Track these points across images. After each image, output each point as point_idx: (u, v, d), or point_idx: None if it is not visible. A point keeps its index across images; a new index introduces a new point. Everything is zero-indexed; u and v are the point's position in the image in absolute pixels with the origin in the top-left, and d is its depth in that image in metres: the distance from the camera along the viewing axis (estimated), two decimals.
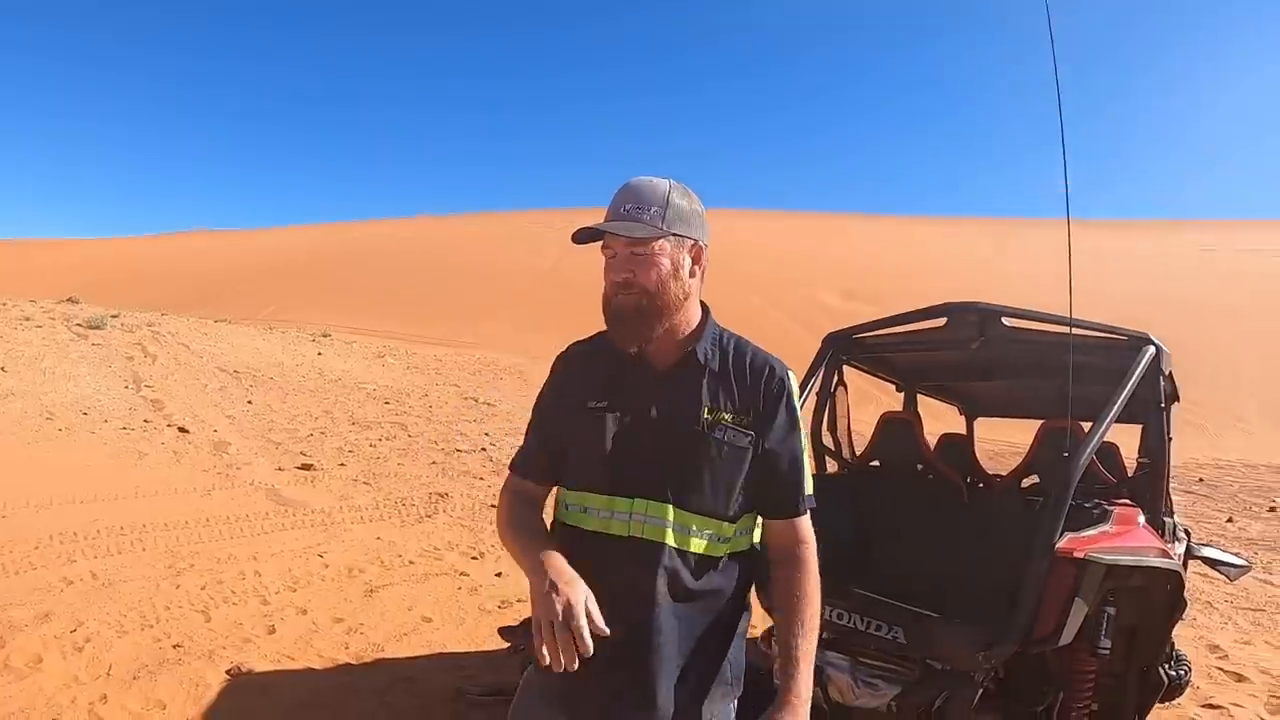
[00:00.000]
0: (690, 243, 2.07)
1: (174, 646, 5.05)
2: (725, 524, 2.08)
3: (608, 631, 1.78)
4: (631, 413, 2.09)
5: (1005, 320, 4.37)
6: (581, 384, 2.17)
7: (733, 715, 2.19)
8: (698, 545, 2.05)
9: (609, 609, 1.95)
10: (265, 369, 18.19)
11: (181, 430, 11.74)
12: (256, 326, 28.22)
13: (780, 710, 1.99)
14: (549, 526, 2.21)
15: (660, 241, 2.00)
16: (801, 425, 2.17)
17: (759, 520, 2.20)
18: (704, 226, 2.11)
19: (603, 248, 2.06)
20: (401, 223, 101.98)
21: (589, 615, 1.78)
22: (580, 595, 1.82)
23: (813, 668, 2.05)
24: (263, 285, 55.50)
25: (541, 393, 2.29)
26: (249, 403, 14.54)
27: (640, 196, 2.02)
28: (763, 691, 2.24)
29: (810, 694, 2.02)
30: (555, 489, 2.25)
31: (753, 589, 2.29)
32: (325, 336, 26.84)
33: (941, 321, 4.59)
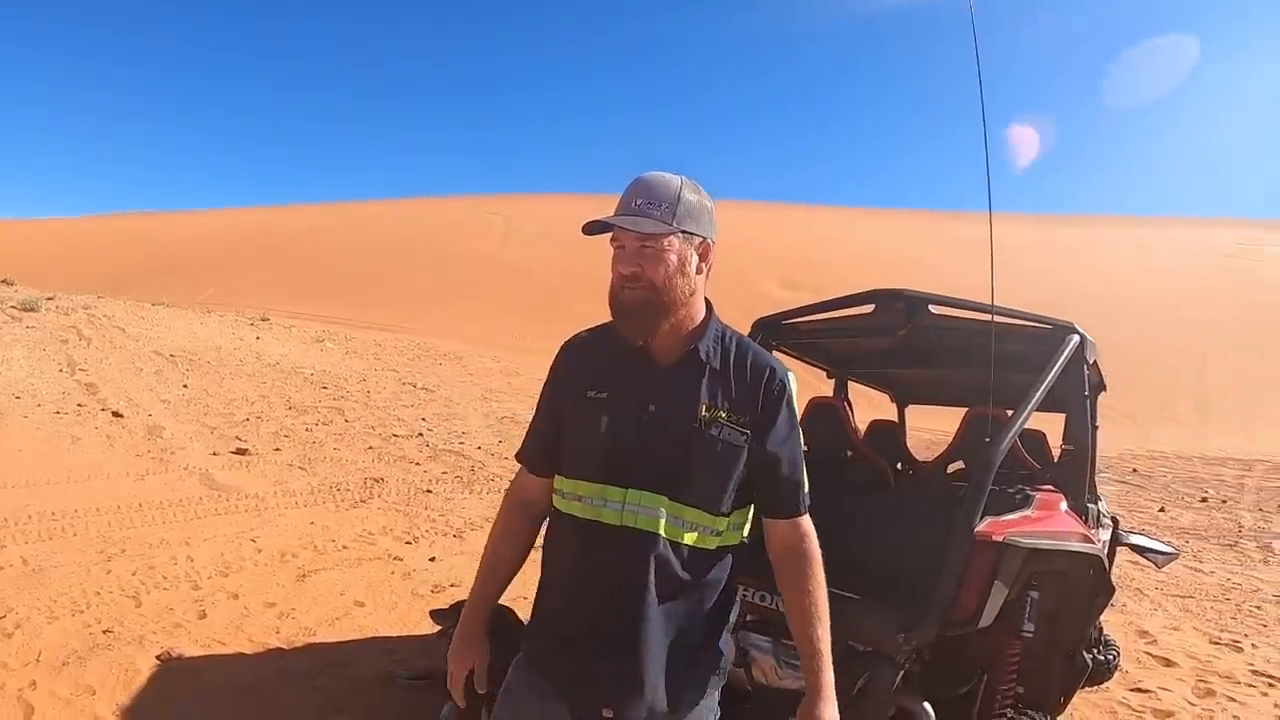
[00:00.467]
0: (699, 240, 2.11)
1: (104, 632, 5.04)
2: (719, 518, 2.13)
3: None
4: (630, 406, 2.13)
5: (932, 307, 4.44)
6: (583, 373, 2.23)
7: (716, 702, 2.24)
8: (690, 538, 2.10)
9: (600, 597, 2.09)
10: (202, 353, 17.95)
11: (116, 414, 11.58)
12: (195, 310, 27.82)
13: (817, 699, 2.09)
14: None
15: (670, 237, 2.04)
16: (799, 427, 2.22)
17: (750, 515, 2.25)
18: (712, 224, 2.16)
19: (611, 240, 2.10)
20: (344, 207, 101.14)
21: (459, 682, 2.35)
22: (461, 670, 2.35)
23: (826, 645, 2.13)
24: (202, 268, 54.83)
25: (547, 381, 2.34)
26: (185, 386, 14.36)
27: (652, 192, 2.06)
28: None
29: (830, 674, 2.12)
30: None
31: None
32: (264, 320, 26.55)
33: (869, 308, 4.65)
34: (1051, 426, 4.92)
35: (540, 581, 2.28)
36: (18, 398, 11.70)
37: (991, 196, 3.51)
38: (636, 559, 2.06)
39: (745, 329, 5.06)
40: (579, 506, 2.14)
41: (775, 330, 5.09)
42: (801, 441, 2.22)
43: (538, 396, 2.38)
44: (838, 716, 2.10)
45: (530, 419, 2.37)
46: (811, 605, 2.13)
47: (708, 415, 2.09)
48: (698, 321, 2.18)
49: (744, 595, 3.63)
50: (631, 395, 2.13)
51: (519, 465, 2.39)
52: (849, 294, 4.69)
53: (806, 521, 2.21)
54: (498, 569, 2.37)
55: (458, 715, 4.01)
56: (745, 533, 2.25)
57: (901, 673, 3.34)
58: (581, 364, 2.25)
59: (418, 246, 58.59)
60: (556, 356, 2.33)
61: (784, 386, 2.16)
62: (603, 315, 2.17)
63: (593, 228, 2.09)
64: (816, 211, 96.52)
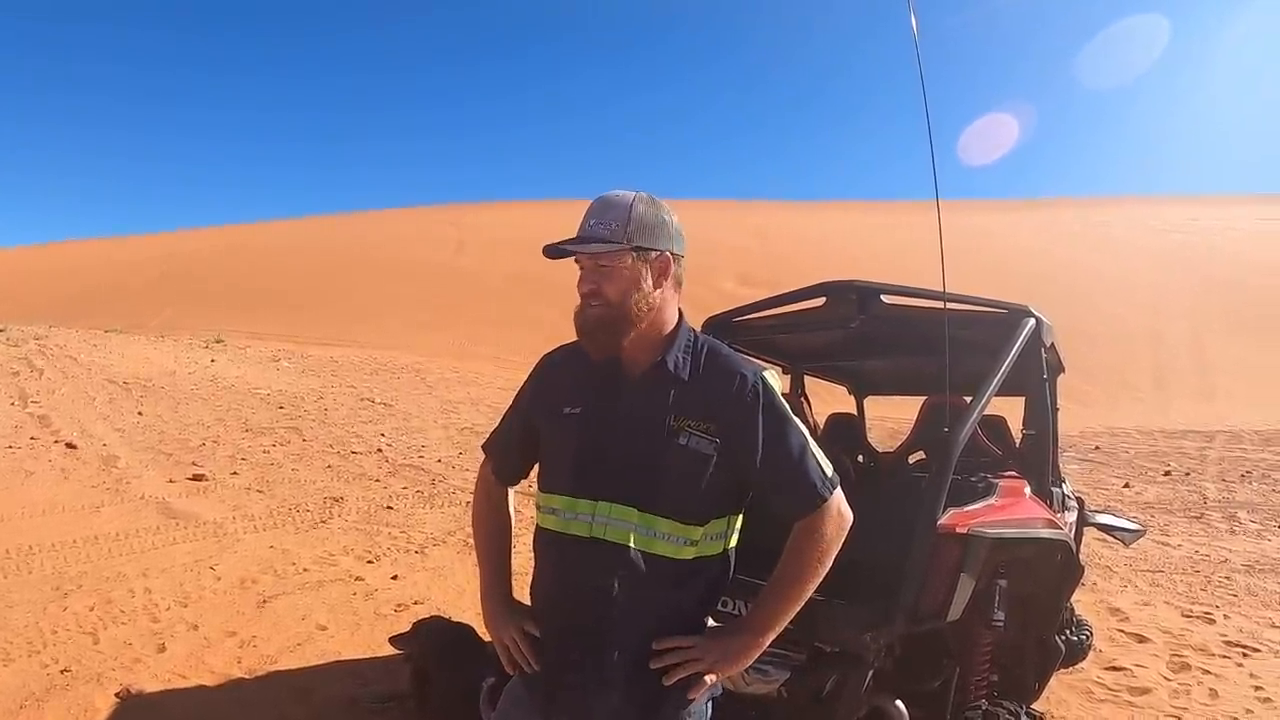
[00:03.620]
0: (655, 254, 2.10)
1: (61, 671, 4.92)
2: (693, 527, 2.09)
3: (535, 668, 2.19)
4: (600, 418, 2.13)
5: (884, 298, 4.38)
6: (558, 389, 2.24)
7: (708, 716, 2.21)
8: (662, 548, 2.07)
9: (573, 609, 2.11)
10: (156, 378, 17.83)
11: (69, 446, 11.45)
12: (148, 335, 27.69)
13: (732, 629, 2.16)
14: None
15: (622, 255, 2.04)
16: (792, 418, 2.16)
17: (730, 524, 2.21)
18: (672, 237, 2.14)
19: (575, 259, 2.10)
20: (294, 223, 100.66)
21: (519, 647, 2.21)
22: (507, 637, 2.24)
23: (778, 616, 2.12)
24: (153, 292, 54.40)
25: (523, 390, 2.37)
26: (139, 414, 14.24)
27: (604, 212, 2.07)
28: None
29: (765, 634, 2.11)
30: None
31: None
32: (219, 342, 26.45)
33: (821, 301, 4.59)
34: (1012, 411, 4.88)
35: (529, 592, 2.29)
36: None
37: (937, 182, 3.48)
38: (605, 571, 2.05)
39: (699, 327, 5.00)
40: (553, 520, 2.15)
41: (727, 328, 5.03)
42: (799, 432, 2.15)
43: (502, 407, 2.44)
44: (739, 656, 2.11)
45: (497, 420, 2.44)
46: (785, 575, 2.14)
47: (675, 425, 2.07)
48: (665, 333, 2.16)
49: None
50: (602, 408, 2.13)
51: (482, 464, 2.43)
52: (800, 288, 4.63)
53: (830, 505, 2.13)
54: (494, 535, 2.44)
55: None
56: (729, 544, 2.22)
57: (872, 672, 3.29)
58: (558, 381, 2.26)
59: (373, 260, 58.49)
60: (534, 370, 2.36)
61: (756, 391, 2.11)
62: (561, 320, 2.17)
63: (550, 252, 2.10)
64: (768, 207, 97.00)
